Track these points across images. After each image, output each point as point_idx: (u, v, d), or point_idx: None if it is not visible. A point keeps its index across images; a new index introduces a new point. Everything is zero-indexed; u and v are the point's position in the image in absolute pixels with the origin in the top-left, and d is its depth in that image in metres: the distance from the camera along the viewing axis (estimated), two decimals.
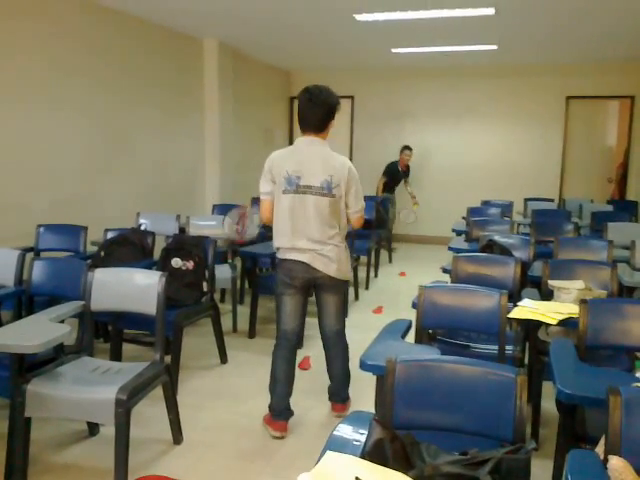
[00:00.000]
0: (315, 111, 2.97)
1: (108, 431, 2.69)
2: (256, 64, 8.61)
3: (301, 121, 3.03)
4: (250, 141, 8.44)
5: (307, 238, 3.01)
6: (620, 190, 8.81)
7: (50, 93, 4.93)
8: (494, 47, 7.19)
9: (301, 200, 2.98)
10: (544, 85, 8.70)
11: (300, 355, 4.13)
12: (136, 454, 2.75)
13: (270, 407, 3.17)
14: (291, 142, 9.87)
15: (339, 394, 3.36)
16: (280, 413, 3.14)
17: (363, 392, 3.38)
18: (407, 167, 8.76)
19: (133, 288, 2.93)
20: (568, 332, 2.96)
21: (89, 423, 3.03)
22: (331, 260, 3.06)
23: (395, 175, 8.62)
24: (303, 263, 3.02)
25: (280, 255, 3.12)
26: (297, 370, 3.84)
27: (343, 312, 3.31)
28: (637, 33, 6.32)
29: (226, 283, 4.89)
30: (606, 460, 1.52)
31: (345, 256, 3.15)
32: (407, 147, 8.66)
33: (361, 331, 4.59)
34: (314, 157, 2.99)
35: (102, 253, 4.13)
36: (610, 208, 7.02)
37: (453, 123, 9.21)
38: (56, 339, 2.47)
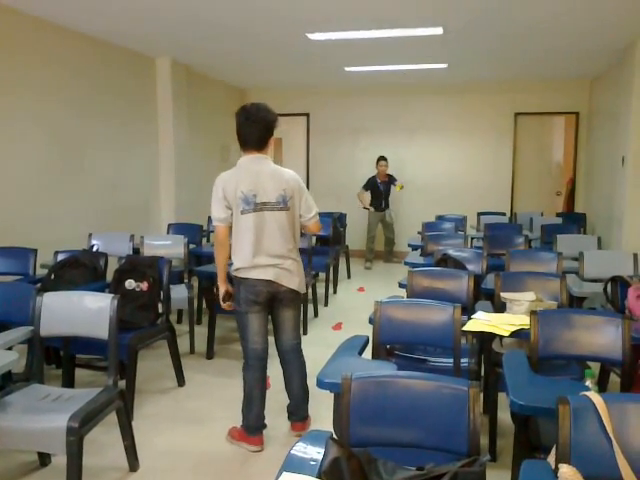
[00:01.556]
0: (253, 129, 3.03)
1: (60, 461, 2.61)
2: (211, 82, 8.59)
3: (241, 140, 3.09)
4: (206, 158, 8.39)
5: (267, 254, 3.03)
6: (569, 204, 9.08)
7: None
8: (444, 65, 7.37)
9: (260, 217, 3.00)
10: (493, 102, 8.96)
11: None
12: None
13: (247, 427, 3.17)
14: None
15: (298, 412, 3.34)
16: (257, 429, 3.17)
17: (322, 411, 3.37)
18: (389, 177, 8.71)
19: (84, 312, 2.86)
20: (521, 343, 3.03)
21: (40, 453, 2.92)
22: (292, 274, 3.12)
23: (374, 188, 8.66)
24: (266, 280, 3.04)
25: (241, 274, 3.08)
26: None
27: (299, 327, 3.34)
28: (581, 52, 6.58)
29: (182, 303, 4.82)
30: (557, 469, 1.55)
31: (302, 270, 3.24)
32: (381, 157, 8.69)
33: (320, 348, 4.58)
34: (264, 174, 3.04)
35: (52, 276, 4.02)
36: (559, 221, 7.24)
37: (406, 139, 9.38)
38: (3, 367, 2.39)
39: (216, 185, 3.05)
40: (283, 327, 3.25)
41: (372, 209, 8.72)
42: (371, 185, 8.69)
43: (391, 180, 8.75)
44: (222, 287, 3.17)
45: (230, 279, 3.19)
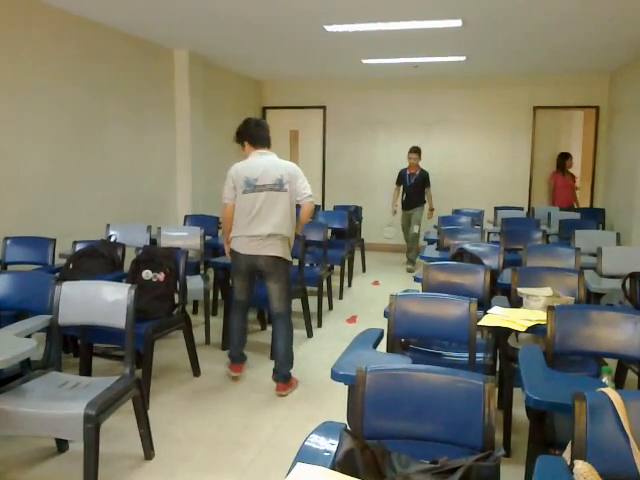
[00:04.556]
0: (264, 132, 3.90)
1: (77, 447, 2.64)
2: (228, 74, 8.60)
3: (253, 140, 3.86)
4: (222, 151, 8.39)
5: (261, 225, 3.72)
6: (564, 195, 8.82)
7: (16, 101, 4.84)
8: (462, 58, 7.31)
9: (258, 196, 3.71)
10: (512, 95, 8.86)
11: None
12: (106, 470, 2.71)
13: (230, 356, 4.04)
14: None
15: (279, 371, 3.82)
16: (236, 358, 4.03)
17: (335, 403, 3.38)
18: (420, 171, 7.91)
19: (102, 301, 2.89)
20: (537, 339, 3.00)
21: (58, 440, 2.97)
22: (275, 245, 3.74)
23: (402, 181, 7.98)
24: (245, 255, 3.78)
25: (232, 245, 3.87)
26: (270, 381, 3.85)
27: (285, 298, 3.89)
28: (601, 45, 6.48)
29: (198, 294, 4.86)
30: (572, 465, 1.54)
31: (287, 243, 3.84)
32: (410, 149, 7.90)
33: (335, 341, 4.61)
34: (267, 163, 3.79)
35: (70, 266, 4.06)
36: (577, 216, 7.16)
37: (424, 133, 9.31)
38: (22, 354, 2.42)
39: (229, 172, 3.84)
40: (270, 296, 3.88)
41: (399, 209, 8.05)
42: (399, 176, 8.05)
43: (423, 176, 7.93)
44: (227, 247, 4.03)
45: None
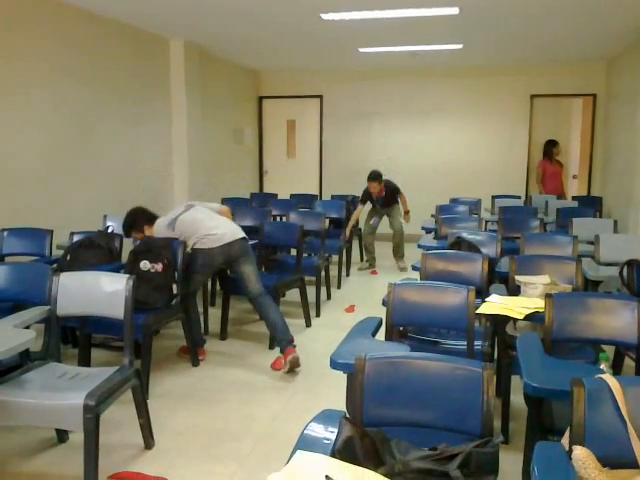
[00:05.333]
0: (149, 212, 4.31)
1: (77, 437, 2.65)
2: (224, 64, 8.55)
3: (150, 219, 4.19)
4: (219, 141, 8.39)
5: (218, 221, 4.18)
6: (553, 183, 8.78)
7: (11, 92, 4.81)
8: (459, 46, 7.27)
9: (188, 212, 4.14)
10: (509, 84, 8.84)
11: (273, 355, 4.14)
12: (106, 460, 2.71)
13: (197, 343, 4.19)
14: (261, 141, 9.90)
15: (285, 336, 3.99)
16: (202, 343, 4.30)
17: (334, 391, 3.39)
18: (386, 189, 7.18)
19: (100, 292, 2.89)
20: (535, 326, 3.02)
21: (58, 430, 2.98)
22: (233, 228, 4.18)
23: (372, 202, 7.34)
24: (219, 246, 4.03)
25: (200, 246, 4.05)
26: (268, 370, 3.87)
27: (259, 278, 4.24)
28: (597, 33, 6.46)
29: None
30: (571, 450, 1.55)
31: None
32: (370, 177, 7.04)
33: (334, 330, 4.62)
34: (169, 215, 4.24)
35: (68, 257, 4.05)
36: (575, 204, 7.16)
37: (421, 122, 9.29)
38: (21, 345, 2.42)
39: (158, 230, 4.12)
40: (247, 280, 4.13)
41: (367, 207, 7.38)
42: (365, 195, 7.25)
43: (390, 189, 7.24)
44: None
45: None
